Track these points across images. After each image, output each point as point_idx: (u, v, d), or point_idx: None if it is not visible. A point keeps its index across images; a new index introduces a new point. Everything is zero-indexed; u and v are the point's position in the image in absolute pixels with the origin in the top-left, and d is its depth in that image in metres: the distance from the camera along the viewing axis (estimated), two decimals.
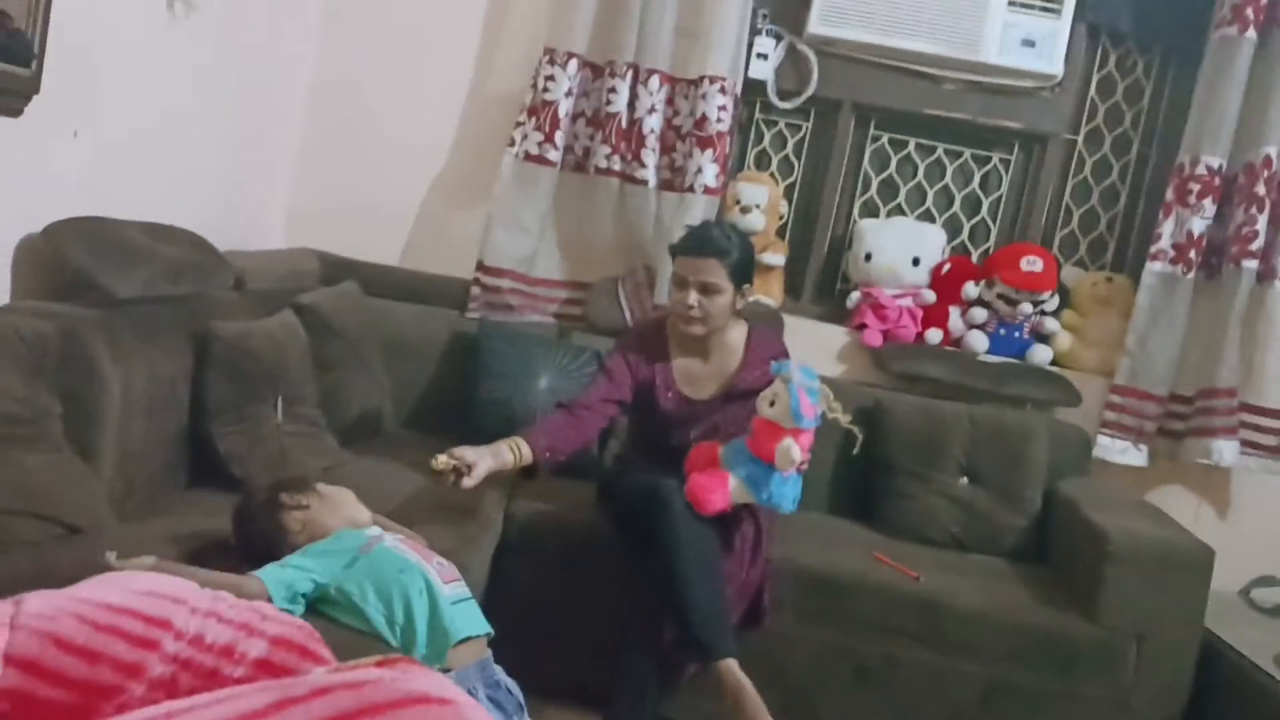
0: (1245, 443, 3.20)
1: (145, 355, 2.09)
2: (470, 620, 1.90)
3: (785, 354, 2.65)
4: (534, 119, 3.21)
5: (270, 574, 1.78)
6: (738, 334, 2.61)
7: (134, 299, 2.11)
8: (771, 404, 2.28)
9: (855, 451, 2.47)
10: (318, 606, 1.81)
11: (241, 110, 2.99)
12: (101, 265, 2.05)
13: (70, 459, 1.87)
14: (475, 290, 3.26)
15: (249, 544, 1.92)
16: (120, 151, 2.42)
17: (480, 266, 3.26)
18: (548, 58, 3.20)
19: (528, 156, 3.23)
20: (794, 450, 2.24)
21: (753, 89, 3.39)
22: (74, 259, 2.03)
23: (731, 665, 2.18)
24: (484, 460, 2.28)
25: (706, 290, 2.45)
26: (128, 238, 2.16)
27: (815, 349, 3.21)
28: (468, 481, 2.25)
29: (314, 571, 1.81)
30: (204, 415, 2.23)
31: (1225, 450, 3.16)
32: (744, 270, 2.51)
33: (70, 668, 1.25)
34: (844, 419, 2.34)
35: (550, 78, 3.19)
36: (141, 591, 1.37)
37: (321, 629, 1.64)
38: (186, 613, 1.36)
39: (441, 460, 2.25)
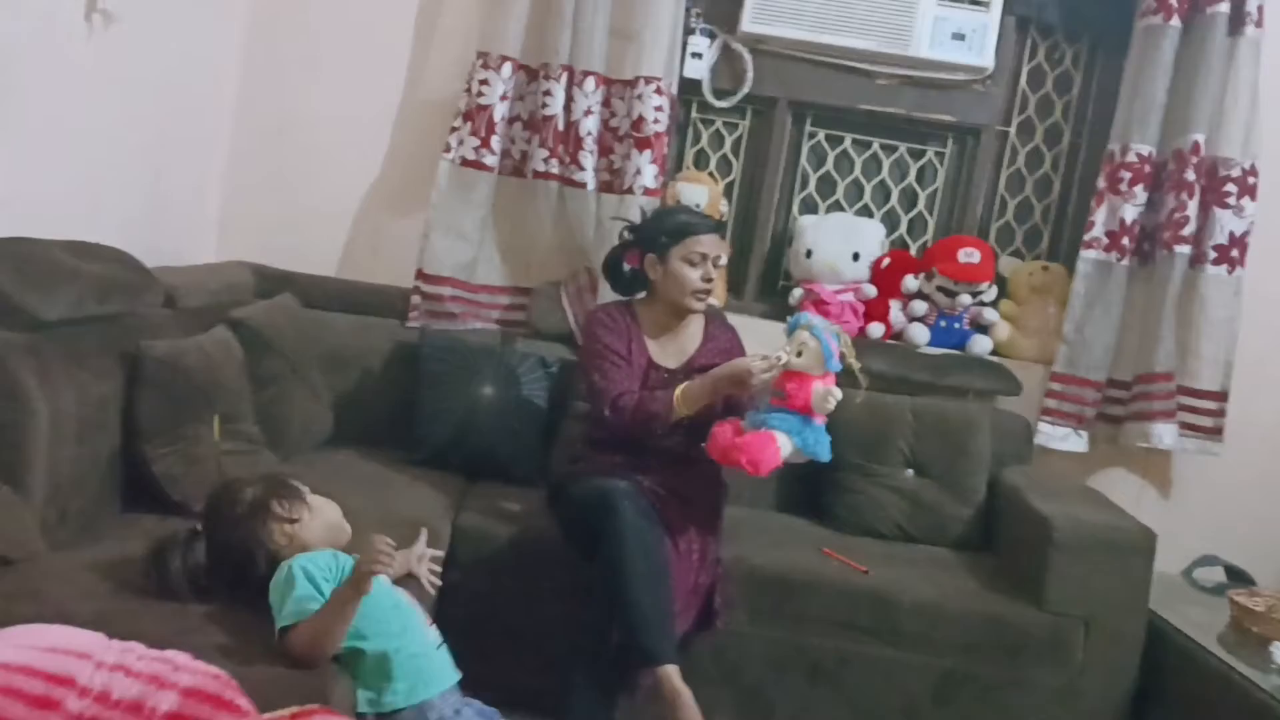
0: (1184, 425, 3.25)
1: (74, 379, 2.03)
2: (448, 668, 1.87)
3: (739, 345, 2.76)
4: (469, 124, 3.18)
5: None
6: (697, 320, 2.73)
7: (60, 321, 2.05)
8: (799, 354, 2.33)
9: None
10: None
11: (166, 122, 2.92)
12: (25, 287, 1.98)
13: None
14: (415, 299, 3.22)
15: (220, 550, 1.81)
16: (41, 168, 2.35)
17: (420, 275, 3.22)
18: (481, 61, 3.16)
19: (464, 162, 3.19)
20: (835, 390, 2.31)
21: (688, 88, 3.39)
22: None
23: (670, 672, 2.17)
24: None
25: (718, 266, 2.62)
26: (52, 257, 2.10)
27: (760, 346, 3.17)
28: None
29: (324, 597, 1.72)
30: (137, 438, 2.17)
31: (1164, 433, 3.21)
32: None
33: None
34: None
35: (484, 82, 3.16)
36: (42, 648, 1.32)
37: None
38: (91, 668, 1.31)
39: None
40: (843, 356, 2.35)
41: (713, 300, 3.29)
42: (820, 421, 2.35)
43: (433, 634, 1.87)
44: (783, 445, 2.31)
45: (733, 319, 3.18)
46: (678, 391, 2.45)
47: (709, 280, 2.58)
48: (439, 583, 2.23)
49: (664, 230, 2.61)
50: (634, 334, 2.66)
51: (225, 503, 1.84)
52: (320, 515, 1.88)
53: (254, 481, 1.88)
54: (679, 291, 2.60)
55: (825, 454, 2.37)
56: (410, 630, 1.80)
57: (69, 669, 1.30)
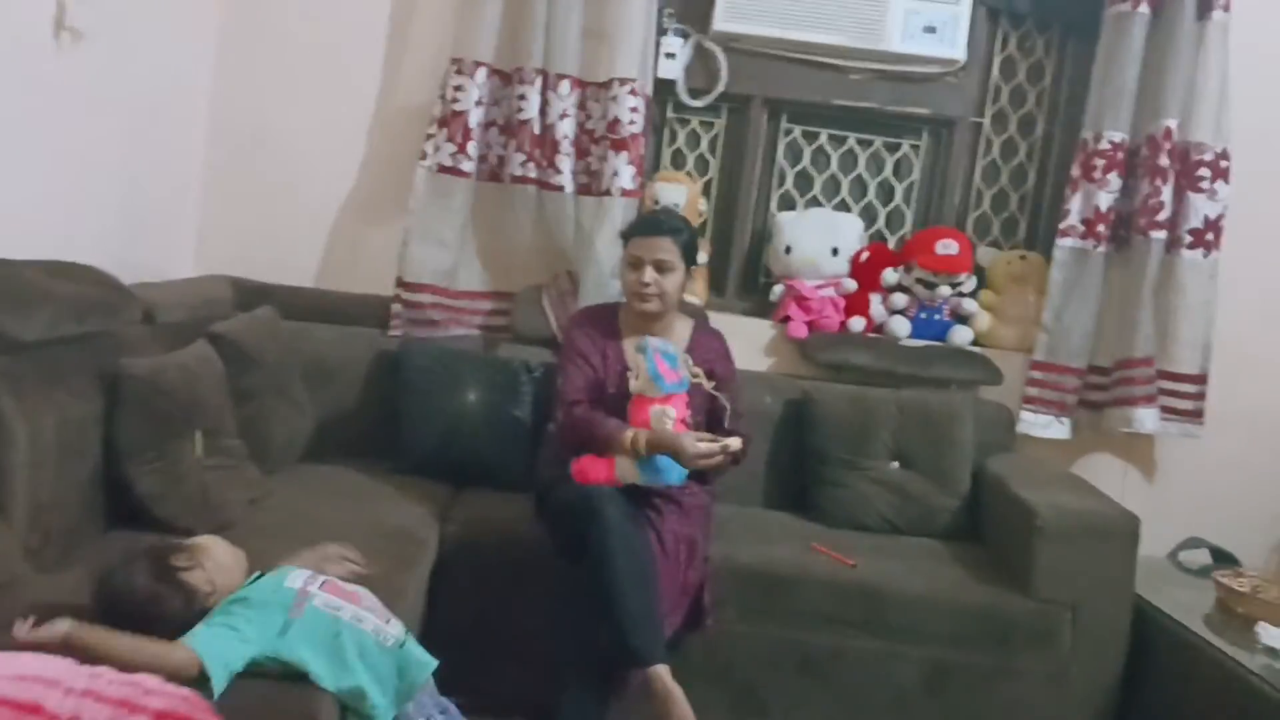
0: (1165, 409, 3.27)
1: (53, 400, 2.02)
2: (420, 659, 1.85)
3: (727, 352, 2.79)
4: (445, 130, 3.17)
5: (205, 644, 1.60)
6: (684, 326, 2.76)
7: (37, 342, 2.03)
8: (637, 377, 2.41)
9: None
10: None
11: (139, 138, 2.91)
12: None
13: None
14: (396, 307, 3.21)
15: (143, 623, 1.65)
16: (11, 188, 2.34)
17: (400, 283, 3.21)
18: (455, 67, 3.16)
19: (441, 168, 3.19)
20: (669, 410, 2.36)
21: (663, 89, 3.39)
22: None
23: (661, 672, 2.18)
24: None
25: (661, 268, 2.60)
26: (25, 278, 2.08)
27: (742, 344, 3.18)
28: None
29: (251, 641, 1.64)
30: (119, 457, 2.15)
31: (1146, 418, 3.23)
32: (692, 250, 2.67)
33: None
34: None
35: (459, 88, 3.15)
36: (9, 676, 1.32)
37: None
38: (60, 695, 1.31)
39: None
40: (689, 378, 2.42)
41: (695, 299, 3.32)
42: None
43: (392, 630, 1.81)
44: (619, 465, 2.40)
45: (714, 317, 3.20)
46: (628, 439, 2.40)
47: (645, 284, 2.59)
48: (364, 570, 1.98)
49: (620, 235, 2.74)
50: (611, 336, 2.69)
51: (125, 593, 1.67)
52: (213, 550, 1.78)
53: (130, 560, 1.72)
54: (626, 292, 2.67)
55: (672, 477, 2.39)
56: (364, 653, 1.74)
57: (37, 696, 1.30)
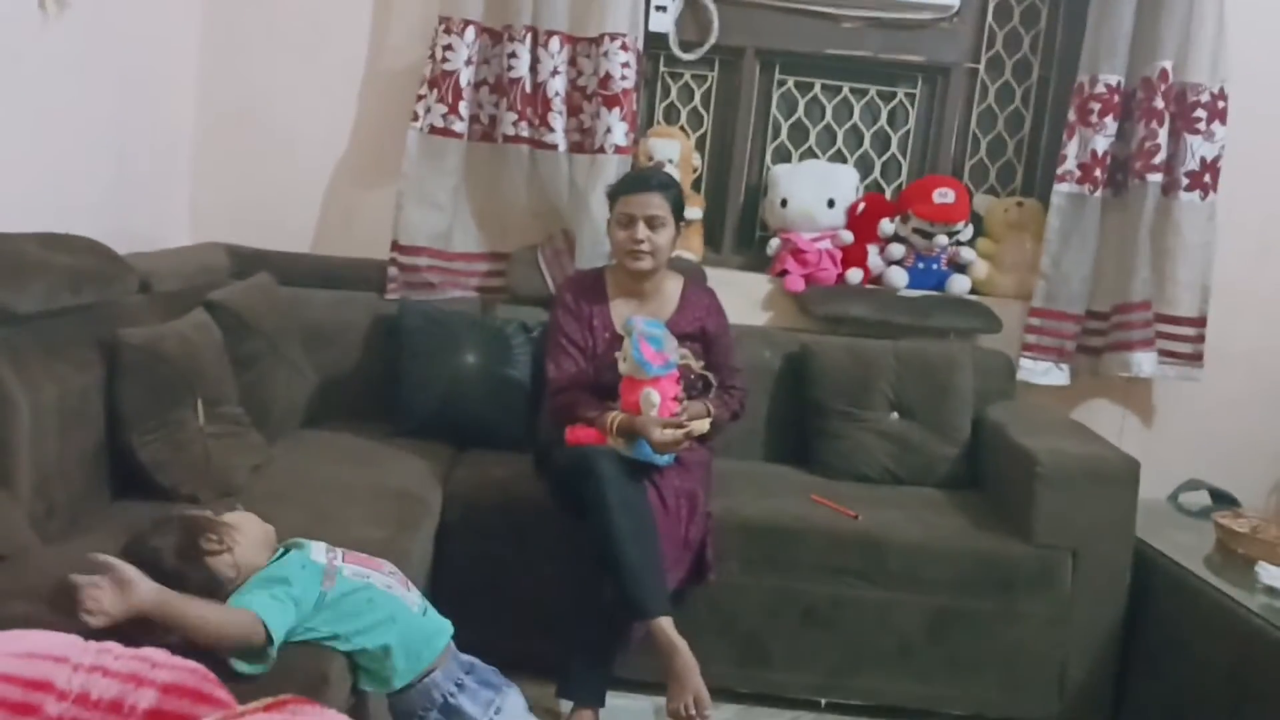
0: (1163, 352, 3.28)
1: (53, 371, 2.02)
2: (440, 625, 1.91)
3: (719, 308, 2.77)
4: (435, 91, 3.15)
5: (263, 609, 1.60)
6: (674, 284, 2.75)
7: (35, 314, 2.03)
8: (624, 360, 2.42)
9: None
10: None
11: (129, 107, 2.89)
12: None
13: None
14: (393, 271, 3.20)
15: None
16: (2, 161, 2.33)
17: (395, 246, 3.21)
18: (443, 27, 3.13)
19: (433, 130, 3.17)
20: (653, 395, 2.38)
21: (655, 43, 3.36)
22: None
23: (664, 624, 2.21)
24: None
25: (653, 224, 2.59)
26: (20, 250, 2.08)
27: (739, 299, 3.20)
28: None
29: (293, 614, 1.65)
30: (121, 426, 2.17)
31: (1144, 362, 3.23)
32: (680, 206, 2.66)
33: None
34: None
35: (448, 47, 3.13)
36: (18, 654, 1.32)
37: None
38: (69, 671, 1.31)
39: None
40: (676, 360, 2.44)
41: (690, 255, 3.31)
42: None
43: (414, 599, 1.88)
44: (610, 440, 2.42)
45: (710, 272, 3.20)
46: (606, 423, 2.45)
47: (639, 241, 2.58)
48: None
49: (607, 194, 2.70)
50: (600, 302, 2.68)
51: (149, 563, 1.63)
52: (247, 529, 1.78)
53: (161, 531, 1.72)
54: (618, 252, 2.66)
55: (656, 458, 2.41)
56: (396, 616, 1.80)
57: (46, 673, 1.30)
